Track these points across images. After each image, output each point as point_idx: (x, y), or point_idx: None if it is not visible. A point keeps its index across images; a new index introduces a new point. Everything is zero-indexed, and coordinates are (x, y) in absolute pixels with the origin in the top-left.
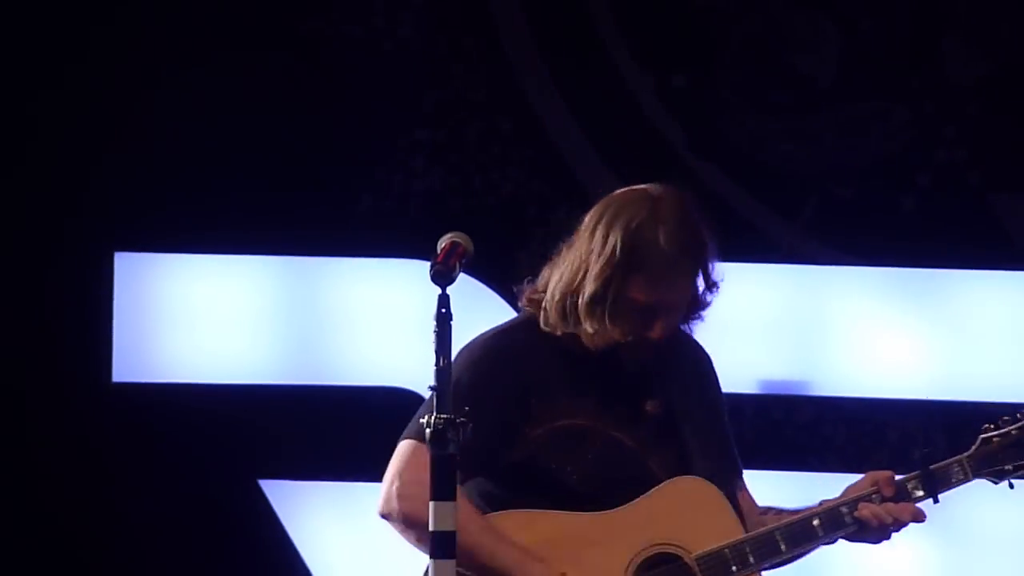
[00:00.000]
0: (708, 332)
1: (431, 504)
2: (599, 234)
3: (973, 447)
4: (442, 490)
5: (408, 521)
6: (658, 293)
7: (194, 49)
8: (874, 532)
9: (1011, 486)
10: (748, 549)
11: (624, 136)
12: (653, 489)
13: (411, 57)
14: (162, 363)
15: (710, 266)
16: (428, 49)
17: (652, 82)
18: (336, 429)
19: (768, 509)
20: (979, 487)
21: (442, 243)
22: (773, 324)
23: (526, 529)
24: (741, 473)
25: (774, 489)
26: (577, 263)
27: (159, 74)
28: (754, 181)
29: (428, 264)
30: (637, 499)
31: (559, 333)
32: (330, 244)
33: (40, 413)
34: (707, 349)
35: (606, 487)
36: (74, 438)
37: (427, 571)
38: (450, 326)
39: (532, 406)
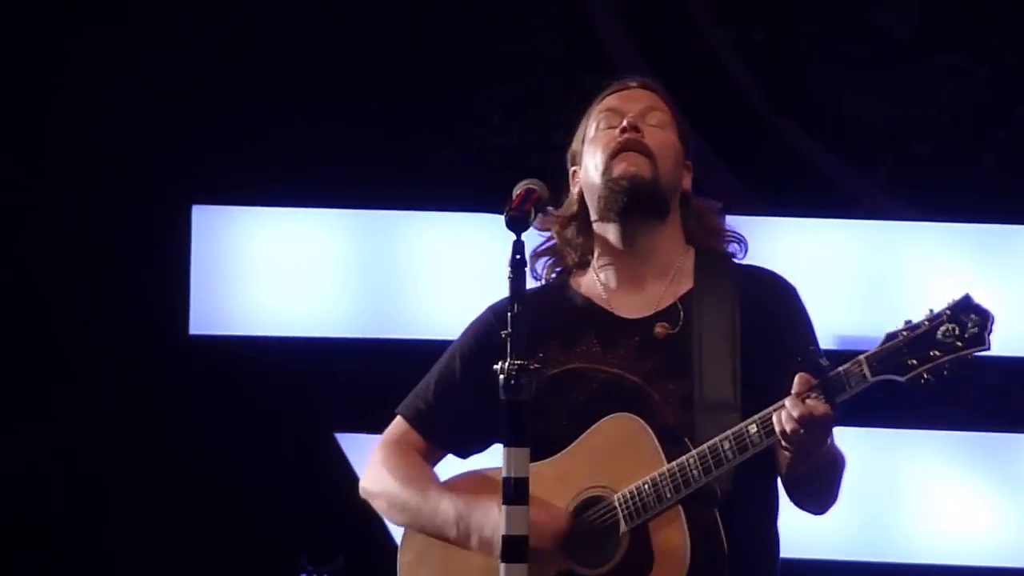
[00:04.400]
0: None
1: (504, 450)
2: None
3: (878, 345)
4: (515, 436)
5: (366, 494)
6: (619, 99)
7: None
8: (783, 439)
9: (923, 381)
10: (665, 483)
11: (703, 91)
12: (589, 429)
13: (490, 8)
14: (239, 316)
15: (679, 118)
16: (508, 2)
17: (732, 36)
18: (412, 382)
19: None
20: None
21: (517, 190)
22: (851, 279)
23: (478, 485)
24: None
25: (853, 445)
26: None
27: (237, 25)
28: (833, 136)
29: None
30: (575, 442)
31: (572, 260)
32: (407, 198)
33: (120, 366)
34: (791, 297)
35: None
36: (153, 390)
37: (402, 541)
38: (524, 272)
39: None
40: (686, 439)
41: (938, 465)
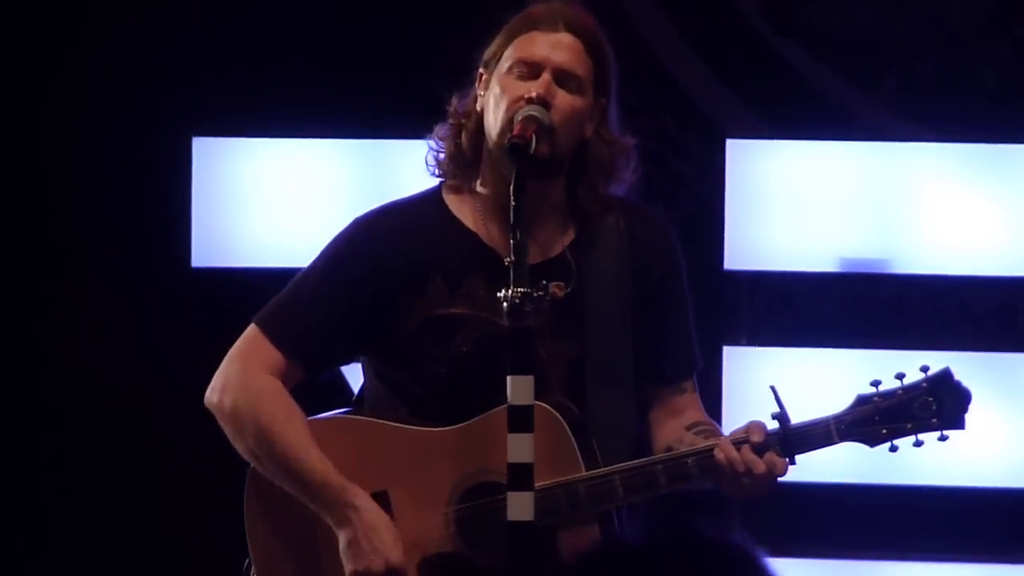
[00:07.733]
0: (788, 210)
1: (509, 379)
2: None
3: (847, 407)
4: (519, 364)
5: (221, 411)
6: (540, 46)
7: None
8: (728, 482)
9: (893, 448)
10: (582, 490)
11: (701, 11)
12: (496, 408)
13: None
14: (241, 247)
15: (602, 56)
16: None
17: None
18: None
19: (696, 424)
20: None
21: (518, 118)
22: (853, 201)
23: (354, 439)
24: (659, 376)
25: (858, 365)
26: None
27: None
28: (834, 56)
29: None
30: (476, 418)
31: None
32: (406, 126)
33: (123, 299)
34: (675, 240)
35: (476, 384)
36: (155, 323)
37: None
38: (526, 199)
39: (395, 296)
40: (593, 443)
41: (945, 176)
